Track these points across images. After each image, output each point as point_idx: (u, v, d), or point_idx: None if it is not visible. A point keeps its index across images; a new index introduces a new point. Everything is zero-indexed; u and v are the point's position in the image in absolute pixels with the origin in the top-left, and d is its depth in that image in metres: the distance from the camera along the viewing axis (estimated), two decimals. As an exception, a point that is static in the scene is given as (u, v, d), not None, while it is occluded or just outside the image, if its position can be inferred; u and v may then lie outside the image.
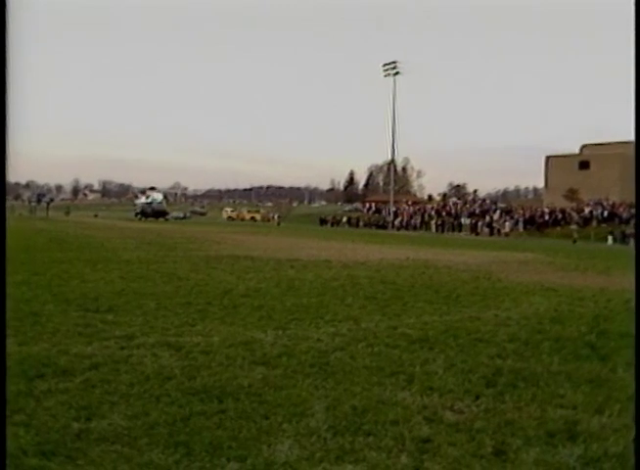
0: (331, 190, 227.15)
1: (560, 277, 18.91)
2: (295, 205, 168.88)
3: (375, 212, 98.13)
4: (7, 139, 2.92)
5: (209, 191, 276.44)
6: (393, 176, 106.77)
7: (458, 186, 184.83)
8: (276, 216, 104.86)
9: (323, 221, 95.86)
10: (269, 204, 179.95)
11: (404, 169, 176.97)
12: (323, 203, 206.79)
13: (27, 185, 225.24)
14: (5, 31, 2.83)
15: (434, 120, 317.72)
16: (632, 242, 51.25)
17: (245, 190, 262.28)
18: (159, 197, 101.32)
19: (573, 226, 61.20)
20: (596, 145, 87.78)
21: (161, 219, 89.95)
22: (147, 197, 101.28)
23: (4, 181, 3.00)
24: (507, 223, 68.88)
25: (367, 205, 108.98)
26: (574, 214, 67.12)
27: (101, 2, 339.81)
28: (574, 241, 54.56)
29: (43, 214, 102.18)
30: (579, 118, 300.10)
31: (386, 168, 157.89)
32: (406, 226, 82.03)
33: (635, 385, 3.80)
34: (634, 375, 3.73)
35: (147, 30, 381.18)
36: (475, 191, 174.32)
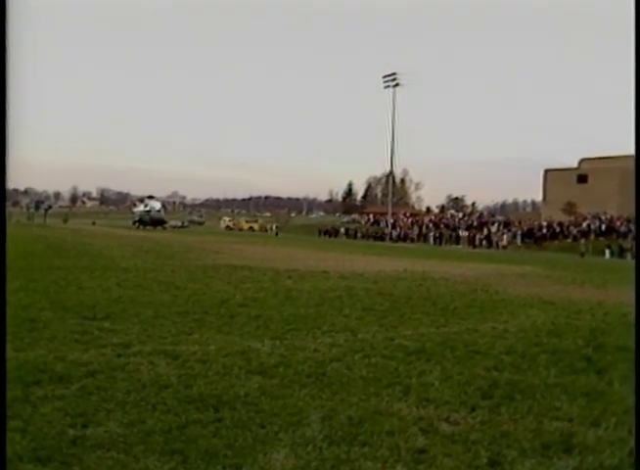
0: (329, 201, 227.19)
1: (557, 290, 18.92)
2: (293, 215, 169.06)
3: (373, 224, 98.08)
4: (7, 145, 2.93)
5: (208, 200, 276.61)
6: (392, 188, 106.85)
7: (456, 198, 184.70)
8: (274, 227, 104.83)
9: (324, 232, 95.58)
10: (267, 214, 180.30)
11: (403, 181, 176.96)
12: (321, 213, 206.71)
13: (26, 192, 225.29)
14: (5, 32, 2.84)
15: (432, 132, 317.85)
16: (629, 256, 51.23)
17: (243, 200, 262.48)
18: (157, 205, 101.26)
19: (582, 240, 60.64)
20: (594, 159, 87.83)
21: (159, 228, 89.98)
22: (145, 205, 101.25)
23: (4, 187, 3.01)
24: (505, 236, 68.85)
25: (365, 216, 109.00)
26: (573, 228, 67.18)
27: (101, 4, 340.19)
28: (582, 254, 54.17)
29: (41, 221, 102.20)
30: (579, 131, 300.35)
31: (384, 180, 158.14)
32: (404, 238, 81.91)
33: (635, 397, 3.81)
34: (634, 388, 3.73)
35: (147, 36, 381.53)
36: (473, 203, 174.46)
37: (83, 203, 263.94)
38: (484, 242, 69.86)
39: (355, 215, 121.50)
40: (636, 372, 3.63)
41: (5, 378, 3.27)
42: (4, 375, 3.25)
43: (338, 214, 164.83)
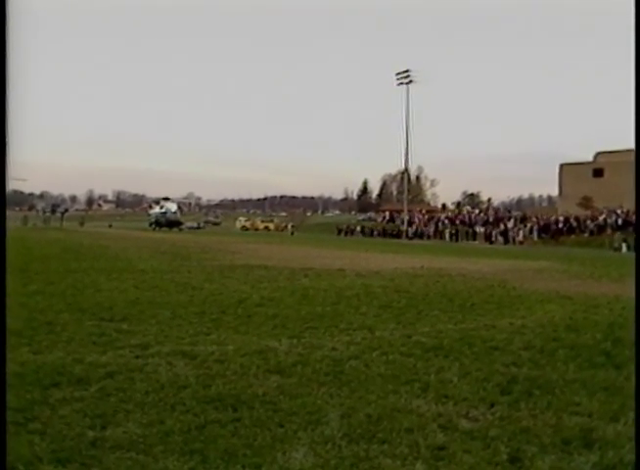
0: (344, 199, 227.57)
1: (575, 285, 18.81)
2: (308, 214, 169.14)
3: (389, 222, 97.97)
4: (7, 146, 2.94)
5: (223, 201, 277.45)
6: (407, 185, 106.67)
7: (472, 195, 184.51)
8: (290, 226, 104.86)
9: (340, 230, 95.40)
10: (283, 213, 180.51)
11: (418, 178, 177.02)
12: (337, 212, 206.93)
13: (42, 196, 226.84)
14: (5, 33, 2.84)
15: (447, 129, 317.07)
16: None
17: (258, 200, 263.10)
18: (172, 207, 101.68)
19: (616, 233, 58.66)
20: (610, 152, 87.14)
21: (175, 229, 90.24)
22: (161, 207, 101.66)
23: (4, 187, 3.02)
24: (521, 231, 68.62)
25: (381, 214, 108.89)
26: (589, 222, 66.81)
27: (110, 3, 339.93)
28: (615, 249, 53.03)
29: (57, 225, 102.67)
30: (594, 125, 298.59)
31: (399, 177, 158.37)
32: (420, 235, 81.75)
33: (635, 389, 3.79)
34: (634, 380, 3.71)
35: (161, 34, 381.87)
36: (489, 199, 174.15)
37: (99, 205, 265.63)
38: (501, 238, 69.64)
39: (371, 213, 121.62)
40: (636, 371, 3.61)
41: (5, 379, 3.28)
42: (4, 377, 3.26)
43: (353, 213, 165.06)
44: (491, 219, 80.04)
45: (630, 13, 3.58)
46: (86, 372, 6.98)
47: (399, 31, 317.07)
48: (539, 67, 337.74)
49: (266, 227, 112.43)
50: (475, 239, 72.78)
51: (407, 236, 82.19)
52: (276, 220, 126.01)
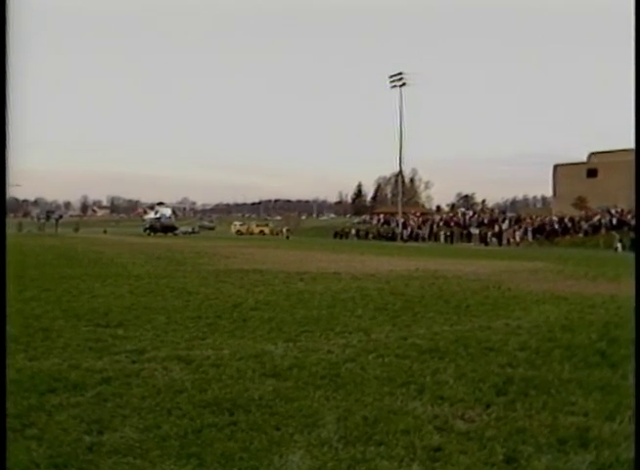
0: (339, 203, 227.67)
1: (570, 285, 18.86)
2: (303, 218, 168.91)
3: (383, 224, 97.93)
4: (7, 150, 2.94)
5: (218, 205, 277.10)
6: (401, 188, 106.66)
7: (466, 196, 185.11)
8: (285, 230, 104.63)
9: (335, 234, 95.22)
10: (278, 217, 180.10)
11: (412, 181, 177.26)
12: (332, 215, 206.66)
13: (36, 202, 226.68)
14: (5, 41, 2.85)
15: (440, 131, 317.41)
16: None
17: (253, 204, 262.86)
18: (167, 212, 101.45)
19: (615, 233, 58.25)
20: (603, 153, 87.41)
21: (170, 234, 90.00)
22: (155, 212, 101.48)
23: (4, 189, 3.03)
24: (516, 233, 68.70)
25: (375, 217, 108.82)
26: (584, 223, 66.91)
27: (107, 8, 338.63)
28: (616, 249, 52.76)
29: (52, 231, 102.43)
30: (587, 126, 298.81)
31: (393, 180, 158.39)
32: (415, 237, 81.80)
33: (635, 388, 3.80)
34: (634, 379, 3.73)
35: (155, 38, 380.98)
36: (483, 201, 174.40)
37: (94, 211, 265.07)
38: (495, 239, 69.71)
39: (366, 216, 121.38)
40: (636, 369, 3.62)
41: (5, 387, 3.29)
42: (4, 384, 3.26)
43: (348, 216, 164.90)
44: (486, 221, 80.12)
45: (630, 13, 3.60)
46: (82, 378, 6.97)
47: (394, 32, 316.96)
48: (534, 67, 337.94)
49: (261, 231, 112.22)
50: (470, 241, 72.80)
51: (402, 238, 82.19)
52: (271, 224, 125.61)
